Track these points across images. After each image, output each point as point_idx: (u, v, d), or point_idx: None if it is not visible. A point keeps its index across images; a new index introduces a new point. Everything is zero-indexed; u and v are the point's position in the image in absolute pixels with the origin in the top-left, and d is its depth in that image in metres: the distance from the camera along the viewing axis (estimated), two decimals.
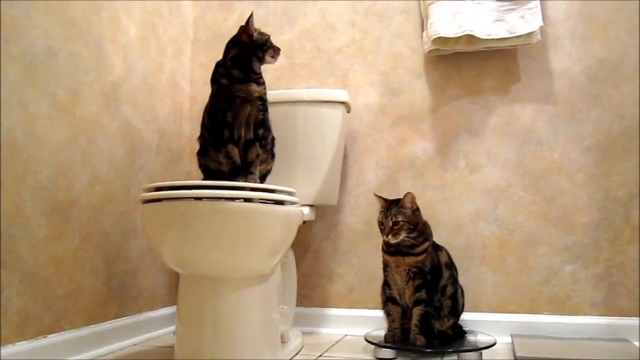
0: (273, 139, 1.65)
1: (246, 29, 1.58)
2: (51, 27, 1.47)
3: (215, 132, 1.53)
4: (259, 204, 1.30)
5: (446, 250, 1.69)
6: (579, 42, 1.84)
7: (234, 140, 1.51)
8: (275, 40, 1.61)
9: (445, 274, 1.63)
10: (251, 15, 1.59)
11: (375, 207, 1.65)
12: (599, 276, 1.76)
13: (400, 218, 1.53)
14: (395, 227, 1.53)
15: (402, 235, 1.53)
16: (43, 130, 1.43)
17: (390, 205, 1.57)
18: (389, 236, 1.53)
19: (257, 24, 1.61)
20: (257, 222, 1.30)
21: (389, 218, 1.54)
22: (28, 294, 1.37)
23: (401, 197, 1.58)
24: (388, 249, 1.60)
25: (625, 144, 1.78)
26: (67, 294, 1.49)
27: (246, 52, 1.57)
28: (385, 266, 1.63)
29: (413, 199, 1.57)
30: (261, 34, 1.60)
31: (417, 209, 1.59)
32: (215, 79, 1.57)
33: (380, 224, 1.57)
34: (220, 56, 1.60)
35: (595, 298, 1.75)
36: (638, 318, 1.70)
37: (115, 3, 1.73)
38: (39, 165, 1.41)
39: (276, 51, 1.62)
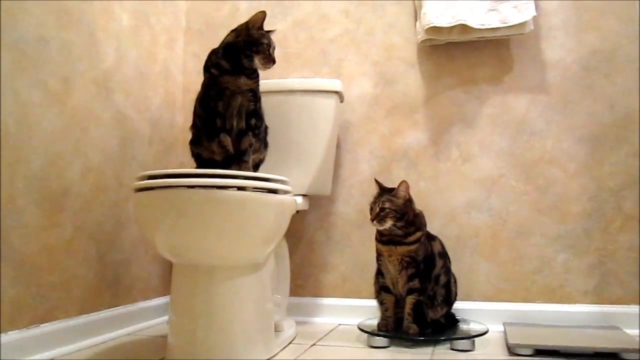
0: (266, 128, 1.65)
1: (249, 21, 1.54)
2: (43, 15, 1.45)
3: (207, 122, 1.52)
4: (252, 192, 1.30)
5: (439, 240, 1.69)
6: (572, 33, 1.85)
7: (227, 130, 1.51)
8: (268, 29, 1.59)
9: (439, 263, 1.64)
10: (263, 14, 1.54)
11: (369, 197, 1.66)
12: (590, 265, 1.77)
13: (387, 205, 1.54)
14: (382, 214, 1.54)
15: (389, 223, 1.54)
16: (35, 119, 1.42)
17: (382, 192, 1.58)
18: (374, 222, 1.55)
19: (251, 13, 1.58)
20: (251, 211, 1.30)
21: (377, 204, 1.56)
22: (21, 284, 1.36)
23: (396, 186, 1.59)
24: (381, 238, 1.60)
25: (617, 134, 1.79)
26: (60, 284, 1.49)
27: (237, 44, 1.53)
28: (379, 255, 1.63)
29: (407, 188, 1.58)
30: (263, 35, 1.54)
31: (410, 200, 1.60)
32: (207, 67, 1.56)
33: (370, 209, 1.58)
34: (213, 46, 1.59)
35: (587, 286, 1.77)
36: (635, 306, 1.71)
37: None
38: (31, 154, 1.40)
39: (268, 59, 1.53)
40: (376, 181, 1.64)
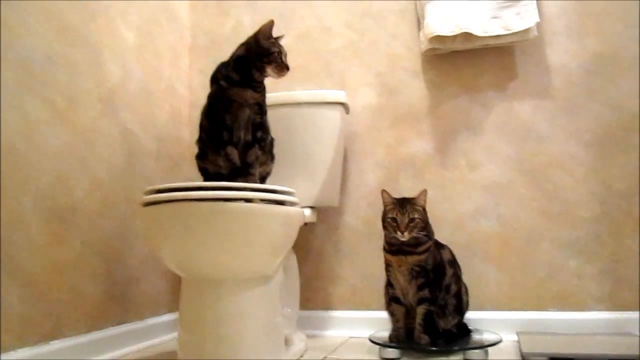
0: (272, 140, 1.65)
1: (257, 32, 1.55)
2: (48, 34, 1.47)
3: (213, 134, 1.52)
4: (259, 204, 1.30)
5: (449, 248, 1.68)
6: (575, 37, 1.85)
7: (233, 142, 1.51)
8: (276, 36, 1.59)
9: (449, 271, 1.62)
10: (271, 23, 1.54)
11: (377, 208, 1.65)
12: (602, 271, 1.75)
13: (416, 215, 1.53)
14: (411, 224, 1.52)
15: (415, 232, 1.52)
16: (42, 136, 1.43)
17: (403, 202, 1.56)
18: (405, 233, 1.52)
19: (254, 28, 1.59)
20: (258, 223, 1.30)
21: (406, 214, 1.53)
22: (29, 301, 1.36)
23: (406, 195, 1.59)
24: (390, 248, 1.59)
25: (624, 137, 1.77)
26: (69, 301, 1.48)
27: (249, 56, 1.53)
28: (388, 266, 1.62)
29: (426, 196, 1.57)
30: (273, 43, 1.54)
31: (424, 208, 1.59)
32: (215, 79, 1.55)
33: (393, 220, 1.54)
34: (218, 62, 1.60)
35: (599, 293, 1.74)
36: None
37: (112, 10, 1.74)
38: (38, 171, 1.41)
39: (281, 68, 1.54)
40: (385, 192, 1.61)
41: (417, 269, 1.55)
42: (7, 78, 1.33)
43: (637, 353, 1.39)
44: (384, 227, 1.58)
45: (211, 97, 1.56)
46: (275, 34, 1.58)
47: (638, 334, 1.64)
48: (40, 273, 1.40)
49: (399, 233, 1.52)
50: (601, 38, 1.82)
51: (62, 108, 1.50)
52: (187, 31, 2.24)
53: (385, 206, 1.59)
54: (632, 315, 1.70)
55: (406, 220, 1.52)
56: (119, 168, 1.73)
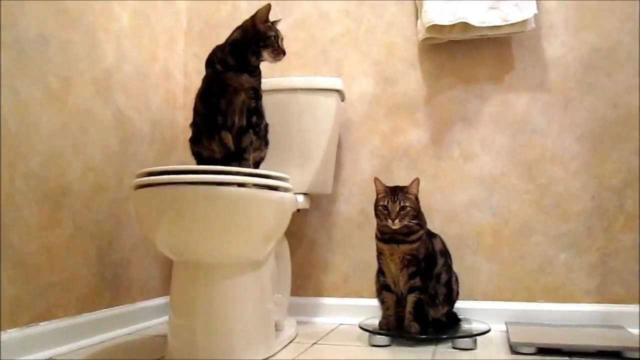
0: (266, 125, 1.64)
1: (254, 16, 1.53)
2: (43, 14, 1.45)
3: (208, 119, 1.52)
4: (253, 189, 1.29)
5: (440, 238, 1.69)
6: (573, 31, 1.84)
7: (227, 127, 1.50)
8: (273, 20, 1.58)
9: (440, 261, 1.63)
10: (268, 6, 1.53)
11: (370, 197, 1.65)
12: (593, 264, 1.76)
13: (408, 203, 1.53)
14: (402, 212, 1.52)
15: (406, 221, 1.52)
16: (35, 117, 1.42)
17: (395, 191, 1.56)
18: (395, 221, 1.52)
19: (251, 13, 1.57)
20: (251, 208, 1.30)
21: (397, 202, 1.53)
22: (20, 282, 1.36)
23: (400, 184, 1.59)
24: (382, 236, 1.59)
25: (619, 132, 1.78)
26: (60, 283, 1.48)
27: (245, 40, 1.52)
28: (380, 254, 1.62)
29: (419, 185, 1.57)
30: (269, 27, 1.53)
31: (417, 197, 1.59)
32: (211, 62, 1.54)
33: (384, 208, 1.54)
34: (213, 46, 1.59)
35: (589, 286, 1.76)
36: (637, 305, 1.71)
37: None
38: (31, 152, 1.40)
39: (277, 52, 1.53)
40: (378, 180, 1.62)
41: (408, 257, 1.56)
42: (0, 57, 1.32)
43: (624, 345, 1.41)
44: (376, 215, 1.58)
45: (206, 81, 1.55)
46: (272, 18, 1.57)
47: (626, 327, 1.65)
48: (32, 254, 1.39)
49: (389, 221, 1.52)
50: (599, 32, 1.82)
51: (55, 89, 1.49)
52: (183, 14, 2.22)
53: (377, 194, 1.60)
54: (621, 308, 1.71)
55: (397, 208, 1.52)
56: (112, 150, 1.72)
